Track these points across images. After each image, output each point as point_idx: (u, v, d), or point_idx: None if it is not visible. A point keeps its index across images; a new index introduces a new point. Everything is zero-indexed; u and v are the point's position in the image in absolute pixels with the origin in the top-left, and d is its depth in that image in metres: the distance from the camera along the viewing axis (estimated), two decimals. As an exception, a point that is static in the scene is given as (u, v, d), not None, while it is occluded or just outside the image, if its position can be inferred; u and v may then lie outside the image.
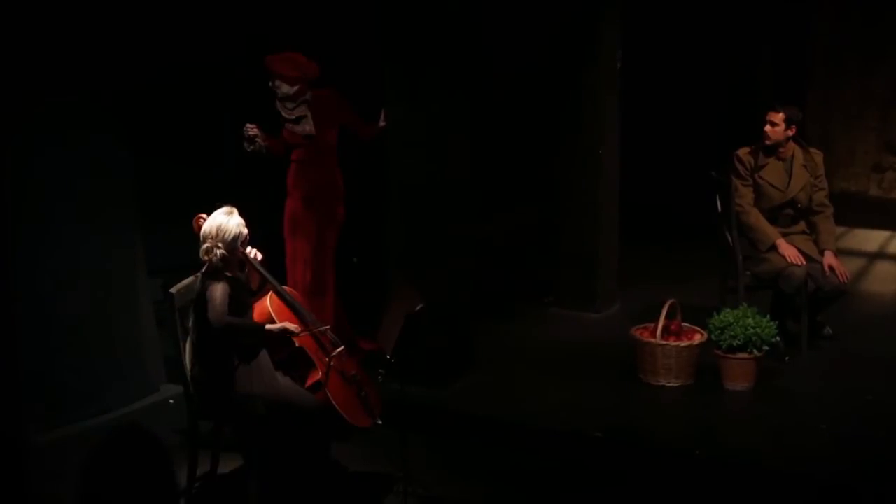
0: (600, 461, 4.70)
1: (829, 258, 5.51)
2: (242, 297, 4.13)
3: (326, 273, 5.47)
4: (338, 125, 5.42)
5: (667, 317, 5.20)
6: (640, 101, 7.34)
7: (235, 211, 4.10)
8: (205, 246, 4.03)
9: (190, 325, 4.17)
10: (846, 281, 5.51)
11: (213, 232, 4.02)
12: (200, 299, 4.02)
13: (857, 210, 8.29)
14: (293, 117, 5.30)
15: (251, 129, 5.28)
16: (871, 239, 7.96)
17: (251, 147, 5.32)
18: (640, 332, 5.32)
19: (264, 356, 4.17)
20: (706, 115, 8.28)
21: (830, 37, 8.92)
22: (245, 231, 4.09)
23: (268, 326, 4.17)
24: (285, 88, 5.22)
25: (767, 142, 5.56)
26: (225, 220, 4.05)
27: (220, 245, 4.01)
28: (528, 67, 7.44)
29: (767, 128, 5.54)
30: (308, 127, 5.32)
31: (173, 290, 4.17)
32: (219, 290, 3.96)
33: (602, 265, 6.42)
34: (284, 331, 4.21)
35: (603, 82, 6.26)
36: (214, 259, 4.01)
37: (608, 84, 6.31)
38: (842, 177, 8.81)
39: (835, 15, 8.87)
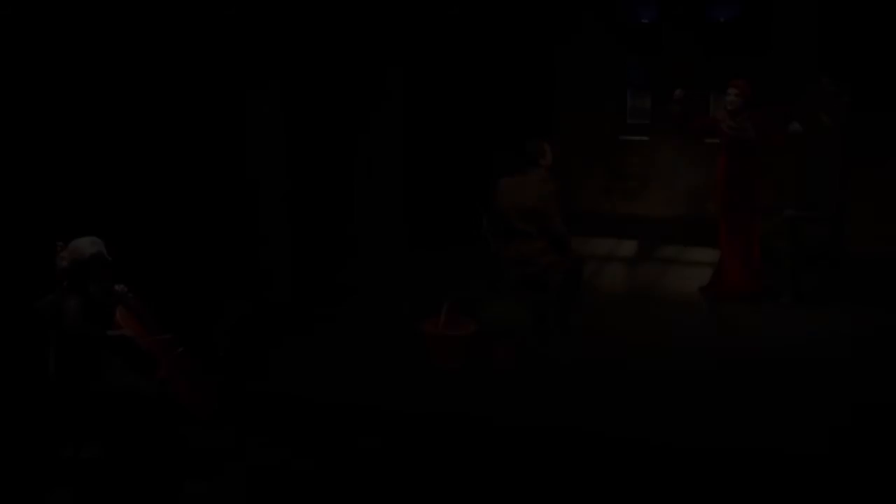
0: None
1: None
2: (97, 310, 4.72)
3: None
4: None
5: (447, 312, 6.13)
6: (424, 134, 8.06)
7: (98, 240, 4.72)
8: (65, 263, 4.65)
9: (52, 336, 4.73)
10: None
11: (73, 253, 4.68)
12: (56, 311, 4.65)
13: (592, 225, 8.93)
14: None
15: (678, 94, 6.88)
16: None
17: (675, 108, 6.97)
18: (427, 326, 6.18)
19: (115, 357, 4.78)
20: (476, 149, 8.81)
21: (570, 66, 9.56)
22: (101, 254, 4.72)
23: (110, 333, 4.74)
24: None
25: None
26: (84, 245, 4.69)
27: (75, 261, 4.62)
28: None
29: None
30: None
31: (37, 304, 4.71)
32: (72, 303, 4.57)
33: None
34: (123, 335, 4.77)
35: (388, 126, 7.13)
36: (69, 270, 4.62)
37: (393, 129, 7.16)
38: (580, 198, 9.52)
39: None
